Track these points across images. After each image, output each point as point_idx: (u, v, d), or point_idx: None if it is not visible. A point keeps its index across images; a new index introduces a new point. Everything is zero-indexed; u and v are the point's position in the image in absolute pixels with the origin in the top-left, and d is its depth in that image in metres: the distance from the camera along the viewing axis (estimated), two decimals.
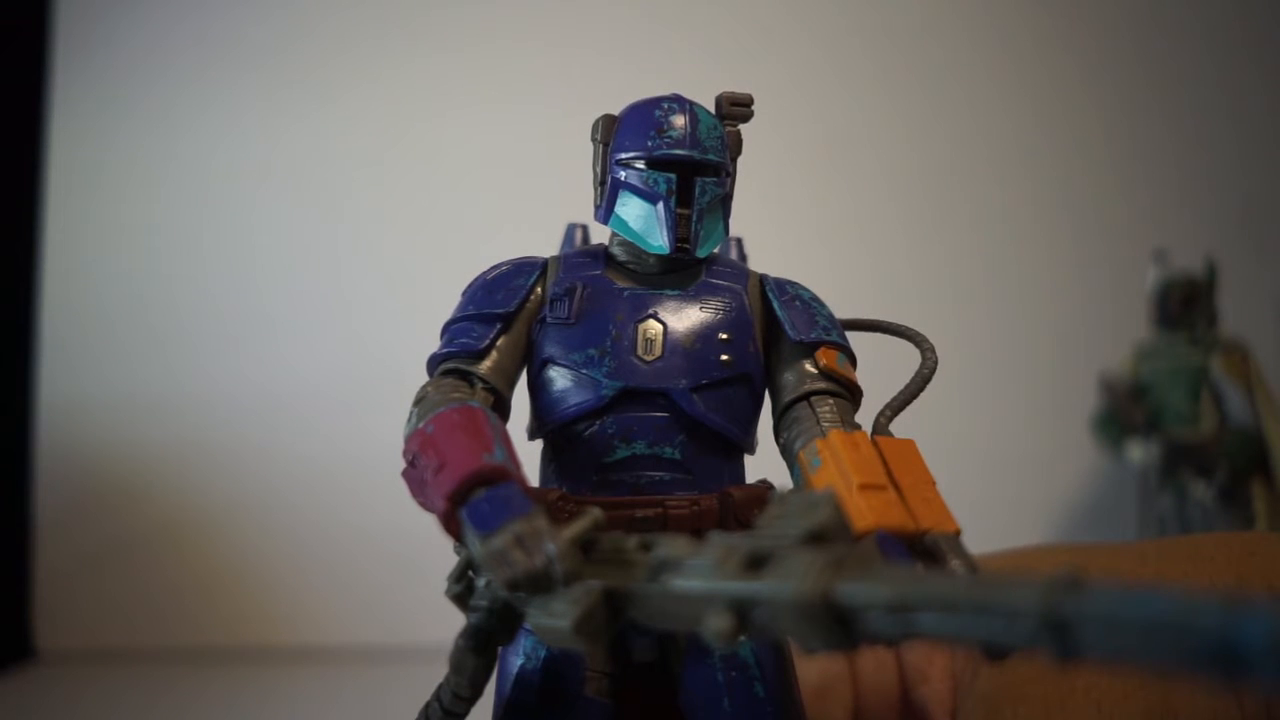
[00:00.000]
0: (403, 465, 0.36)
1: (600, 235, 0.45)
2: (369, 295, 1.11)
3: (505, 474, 0.33)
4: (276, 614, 1.06)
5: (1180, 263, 0.95)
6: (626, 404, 0.38)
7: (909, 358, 0.40)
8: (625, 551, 0.31)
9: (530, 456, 0.40)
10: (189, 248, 1.11)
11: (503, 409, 0.40)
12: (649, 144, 0.39)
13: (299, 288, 1.11)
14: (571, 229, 0.50)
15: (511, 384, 0.41)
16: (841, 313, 0.42)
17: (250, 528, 1.07)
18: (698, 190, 0.39)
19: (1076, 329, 1.10)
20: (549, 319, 0.40)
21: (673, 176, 0.39)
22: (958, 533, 0.33)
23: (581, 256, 0.42)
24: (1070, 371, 1.04)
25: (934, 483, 0.35)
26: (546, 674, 0.38)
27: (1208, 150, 1.15)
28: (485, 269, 0.42)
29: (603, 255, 0.42)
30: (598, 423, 0.38)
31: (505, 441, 0.35)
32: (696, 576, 0.28)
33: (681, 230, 0.39)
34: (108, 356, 1.09)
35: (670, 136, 0.39)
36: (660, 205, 0.39)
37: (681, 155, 0.39)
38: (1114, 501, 1.06)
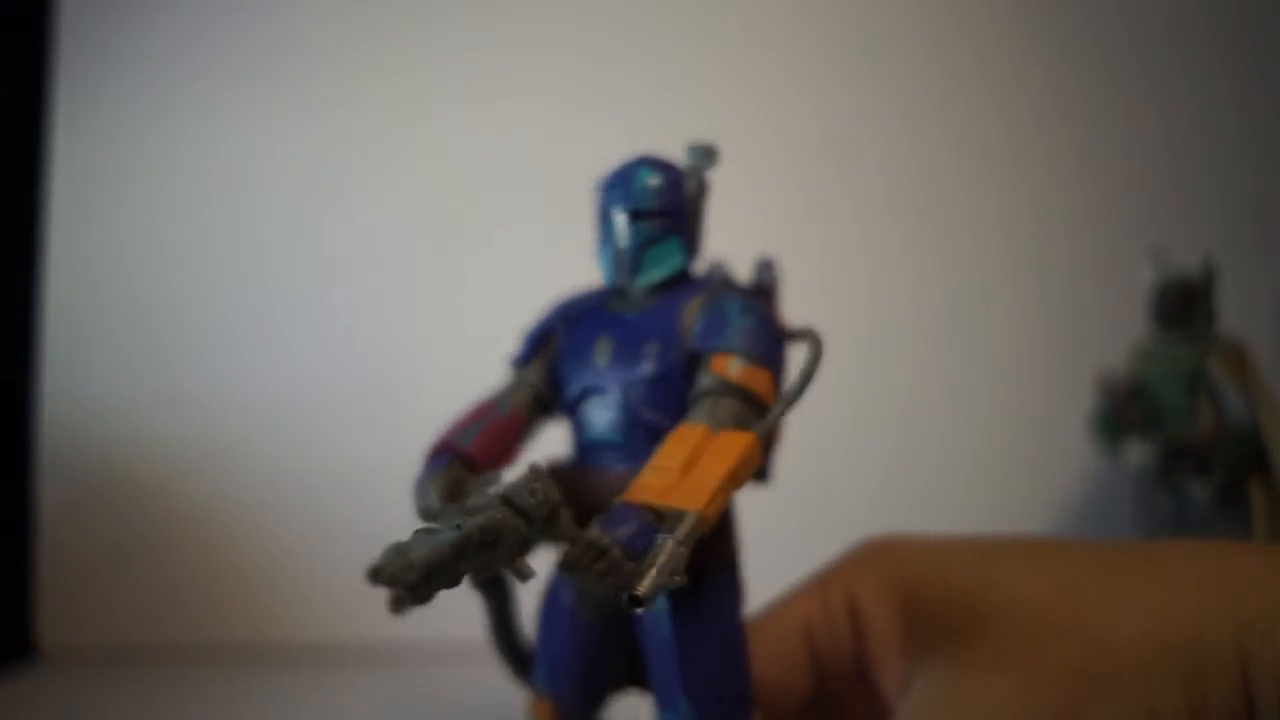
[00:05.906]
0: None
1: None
2: (371, 297, 1.11)
3: (448, 447, 0.46)
4: (280, 611, 1.06)
5: (1178, 261, 0.95)
6: (589, 399, 0.49)
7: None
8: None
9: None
10: (192, 249, 1.12)
11: (541, 405, 0.51)
12: (599, 198, 0.49)
13: (301, 289, 1.11)
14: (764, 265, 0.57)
15: (551, 384, 0.51)
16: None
17: (253, 525, 1.07)
18: (631, 232, 0.48)
19: (1073, 328, 1.10)
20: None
21: (609, 225, 0.48)
22: (696, 510, 0.37)
23: (602, 291, 0.52)
24: (1066, 371, 1.04)
25: (725, 472, 0.39)
26: (553, 586, 0.49)
27: (1207, 149, 1.15)
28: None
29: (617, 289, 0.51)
30: (576, 411, 0.49)
31: (487, 423, 0.48)
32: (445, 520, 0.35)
33: (621, 265, 0.48)
34: (111, 356, 1.10)
35: (607, 193, 0.49)
36: (605, 247, 0.49)
37: (614, 210, 0.48)
38: (1110, 501, 1.07)
